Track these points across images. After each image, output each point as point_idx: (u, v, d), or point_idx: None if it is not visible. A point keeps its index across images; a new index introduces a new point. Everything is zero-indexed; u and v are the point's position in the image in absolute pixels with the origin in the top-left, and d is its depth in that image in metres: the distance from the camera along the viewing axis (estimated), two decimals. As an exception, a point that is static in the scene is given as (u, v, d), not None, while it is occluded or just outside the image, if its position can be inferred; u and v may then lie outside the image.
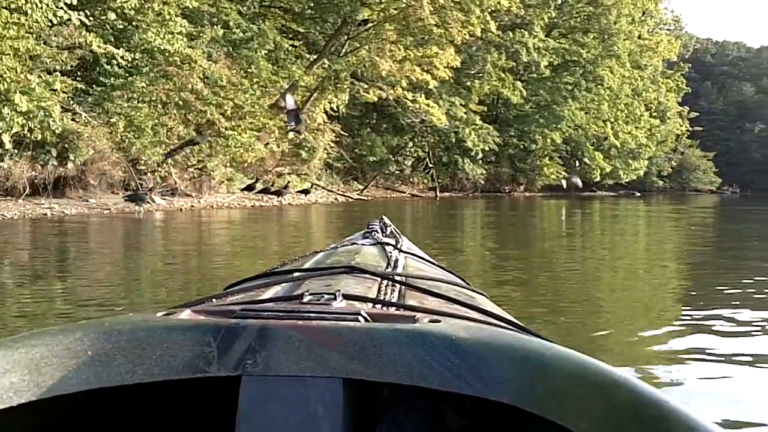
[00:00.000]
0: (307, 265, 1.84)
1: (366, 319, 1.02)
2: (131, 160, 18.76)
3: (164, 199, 18.65)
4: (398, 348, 0.93)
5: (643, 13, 52.17)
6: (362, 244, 2.27)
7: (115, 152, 18.12)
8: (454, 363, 0.91)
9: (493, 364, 0.90)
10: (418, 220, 20.17)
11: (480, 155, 38.69)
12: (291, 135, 24.77)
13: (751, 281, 6.96)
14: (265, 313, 1.02)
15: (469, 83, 37.75)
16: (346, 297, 1.19)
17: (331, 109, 27.85)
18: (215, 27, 21.20)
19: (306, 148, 26.88)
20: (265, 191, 24.70)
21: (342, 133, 31.22)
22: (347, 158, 32.64)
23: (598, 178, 47.27)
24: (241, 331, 0.95)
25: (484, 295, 1.82)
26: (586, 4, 45.30)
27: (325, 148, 29.28)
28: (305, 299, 1.15)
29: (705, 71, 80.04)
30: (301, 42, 27.93)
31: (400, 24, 26.03)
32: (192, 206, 19.66)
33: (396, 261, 1.95)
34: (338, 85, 25.93)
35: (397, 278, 1.57)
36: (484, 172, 41.04)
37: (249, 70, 22.35)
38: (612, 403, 0.81)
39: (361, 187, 33.65)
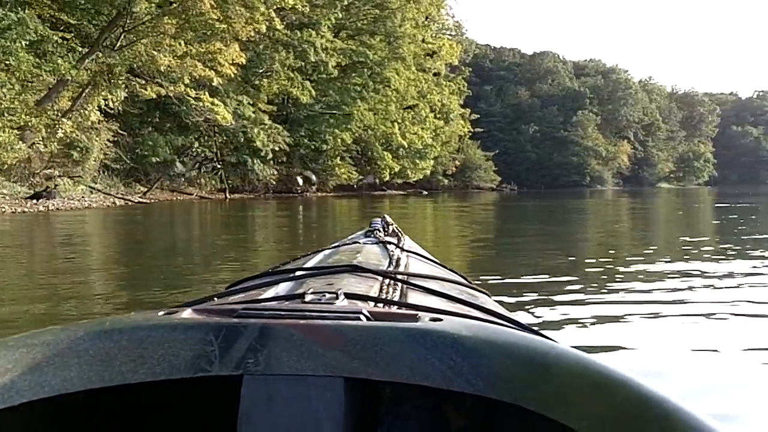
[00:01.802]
0: (308, 264, 1.81)
1: (368, 318, 1.01)
2: None
3: None
4: (400, 347, 0.93)
5: (427, 18, 54.00)
6: (364, 243, 2.29)
7: None
8: (456, 362, 0.91)
9: (495, 363, 0.90)
10: (206, 223, 19.21)
11: (270, 155, 38.05)
12: (60, 134, 22.70)
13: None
14: (267, 312, 1.02)
15: (257, 82, 36.96)
16: (347, 296, 1.20)
17: (107, 106, 25.94)
18: (-34, 13, 18.86)
19: (78, 149, 24.83)
20: (36, 197, 22.51)
21: (120, 132, 29.28)
22: (126, 159, 30.62)
23: (388, 178, 48.33)
24: (243, 330, 0.95)
25: (486, 294, 1.82)
26: (372, 6, 46.01)
27: (101, 149, 27.31)
28: (307, 298, 1.15)
29: (484, 75, 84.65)
30: (73, 35, 25.73)
31: (180, 18, 24.71)
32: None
33: (398, 260, 1.95)
34: (113, 81, 24.13)
35: (399, 277, 1.57)
36: (276, 172, 40.47)
37: (7, 62, 20.11)
38: (615, 403, 0.81)
39: (145, 190, 31.80)
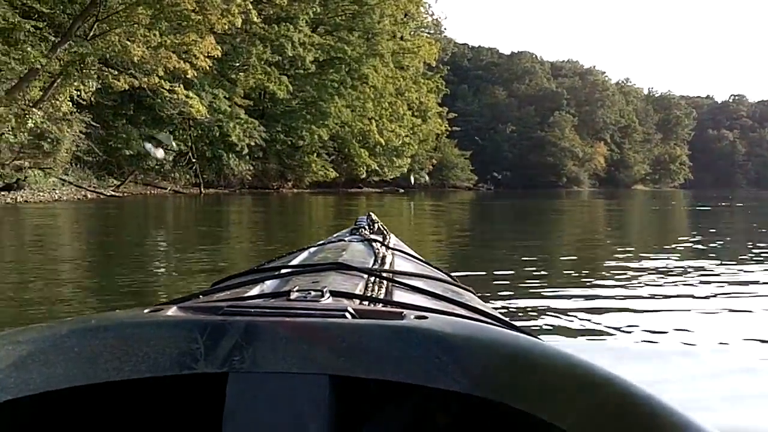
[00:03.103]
0: (294, 262, 1.78)
1: (353, 316, 1.01)
2: None
3: None
4: (385, 344, 0.93)
5: (405, 15, 53.78)
6: (350, 241, 2.29)
7: None
8: (441, 359, 0.92)
9: (480, 361, 0.91)
10: (181, 220, 18.88)
11: (246, 150, 37.63)
12: (30, 124, 22.17)
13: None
14: (252, 310, 1.02)
15: (233, 76, 36.57)
16: (333, 294, 1.20)
17: (79, 97, 25.43)
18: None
19: (49, 140, 24.30)
20: (5, 188, 22.02)
21: (93, 123, 28.74)
22: (98, 151, 30.05)
23: (365, 175, 48.04)
24: (228, 328, 0.96)
25: (471, 292, 1.81)
26: (350, 2, 45.70)
27: (73, 140, 26.78)
28: (292, 296, 1.15)
29: (462, 74, 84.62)
30: (46, 24, 25.18)
31: (155, 8, 24.25)
32: None
33: (383, 258, 1.93)
34: (84, 71, 23.61)
35: (385, 275, 1.56)
36: (251, 168, 40.07)
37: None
38: (600, 400, 0.81)
39: (118, 183, 31.26)
